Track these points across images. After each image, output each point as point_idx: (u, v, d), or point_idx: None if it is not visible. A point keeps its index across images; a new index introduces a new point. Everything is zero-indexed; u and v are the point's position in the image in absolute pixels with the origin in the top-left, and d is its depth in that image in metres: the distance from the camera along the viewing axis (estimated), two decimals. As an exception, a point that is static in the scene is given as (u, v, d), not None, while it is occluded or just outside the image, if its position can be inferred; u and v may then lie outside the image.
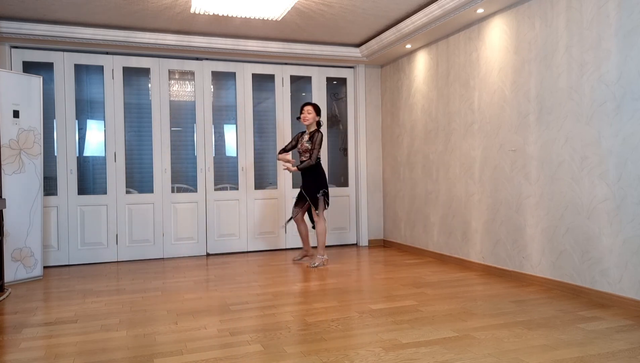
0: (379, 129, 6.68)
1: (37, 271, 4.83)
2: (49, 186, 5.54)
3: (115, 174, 5.72)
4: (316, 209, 5.06)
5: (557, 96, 3.91)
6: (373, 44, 5.90)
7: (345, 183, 6.75)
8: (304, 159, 5.11)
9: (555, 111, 3.93)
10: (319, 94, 6.50)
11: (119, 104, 5.73)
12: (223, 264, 5.45)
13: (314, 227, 5.22)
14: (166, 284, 4.47)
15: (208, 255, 6.06)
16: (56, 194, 5.51)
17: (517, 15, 4.31)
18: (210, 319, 3.32)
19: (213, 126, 6.14)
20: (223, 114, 6.56)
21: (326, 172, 6.46)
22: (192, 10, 4.70)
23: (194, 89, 6.06)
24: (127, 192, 5.82)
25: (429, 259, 5.48)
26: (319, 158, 5.12)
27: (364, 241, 6.60)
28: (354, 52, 6.23)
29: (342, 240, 6.63)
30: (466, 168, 4.98)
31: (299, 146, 5.17)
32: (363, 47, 6.11)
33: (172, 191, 6.00)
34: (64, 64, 5.52)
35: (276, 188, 6.36)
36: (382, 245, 6.65)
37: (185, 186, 6.21)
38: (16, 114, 4.65)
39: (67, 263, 5.54)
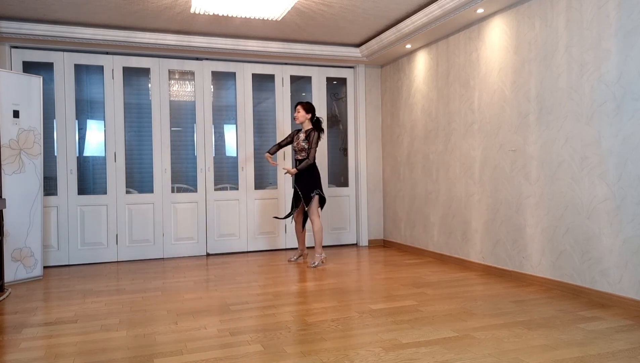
0: (379, 129, 6.68)
1: (37, 271, 4.83)
2: (49, 186, 5.54)
3: (115, 174, 5.72)
4: (306, 206, 5.10)
5: (557, 96, 3.91)
6: (373, 44, 5.90)
7: (345, 183, 6.75)
8: (300, 157, 5.15)
9: (555, 111, 3.93)
10: (319, 94, 6.50)
11: (119, 104, 5.73)
12: (223, 264, 5.45)
13: (303, 226, 5.32)
14: (166, 284, 4.47)
15: (208, 255, 6.06)
16: (56, 194, 5.51)
17: (517, 15, 4.31)
18: (210, 319, 3.32)
19: (213, 126, 6.14)
20: (223, 114, 6.56)
21: (325, 172, 6.50)
22: (192, 10, 4.71)
23: (194, 89, 6.06)
24: (127, 192, 5.82)
25: (429, 259, 5.48)
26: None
27: (363, 241, 6.60)
28: (354, 52, 6.23)
29: (342, 240, 6.63)
30: (466, 168, 4.98)
31: (295, 143, 5.20)
32: (363, 47, 6.11)
33: (172, 191, 6.00)
34: (64, 64, 5.52)
35: (276, 188, 6.36)
36: (382, 245, 6.65)
37: (185, 186, 6.21)
38: (16, 114, 4.65)
39: (67, 263, 5.54)
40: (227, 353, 2.66)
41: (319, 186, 5.16)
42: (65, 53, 5.52)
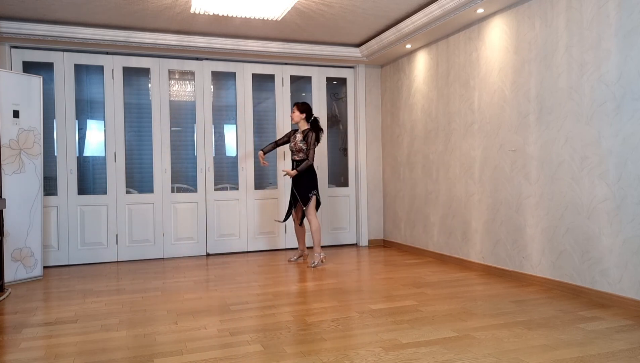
0: (379, 129, 6.68)
1: (37, 271, 4.83)
2: (49, 186, 5.54)
3: (115, 174, 5.72)
4: (303, 206, 5.12)
5: (557, 96, 3.91)
6: (373, 44, 5.90)
7: (345, 183, 6.75)
8: (297, 158, 5.16)
9: (555, 111, 3.93)
10: (319, 94, 6.50)
11: (119, 104, 5.73)
12: (223, 264, 5.45)
13: (301, 224, 5.33)
14: (166, 284, 4.47)
15: (208, 255, 6.06)
16: (56, 194, 5.51)
17: (517, 15, 4.31)
18: (210, 319, 3.32)
19: (213, 126, 6.14)
20: (223, 114, 6.56)
21: (325, 172, 6.50)
22: (192, 10, 4.71)
23: (194, 89, 6.06)
24: (127, 192, 5.82)
25: (429, 259, 5.48)
26: None
27: (363, 241, 6.60)
28: (354, 52, 6.23)
29: (342, 240, 6.63)
30: (466, 168, 4.98)
31: (292, 144, 5.21)
32: (363, 47, 6.11)
33: (172, 191, 6.00)
34: (64, 64, 5.52)
35: (276, 188, 6.36)
36: (382, 245, 6.65)
37: (185, 186, 6.21)
38: (16, 114, 4.65)
39: (67, 263, 5.54)
40: (227, 353, 2.67)
41: (315, 186, 5.18)
42: (65, 53, 5.52)
